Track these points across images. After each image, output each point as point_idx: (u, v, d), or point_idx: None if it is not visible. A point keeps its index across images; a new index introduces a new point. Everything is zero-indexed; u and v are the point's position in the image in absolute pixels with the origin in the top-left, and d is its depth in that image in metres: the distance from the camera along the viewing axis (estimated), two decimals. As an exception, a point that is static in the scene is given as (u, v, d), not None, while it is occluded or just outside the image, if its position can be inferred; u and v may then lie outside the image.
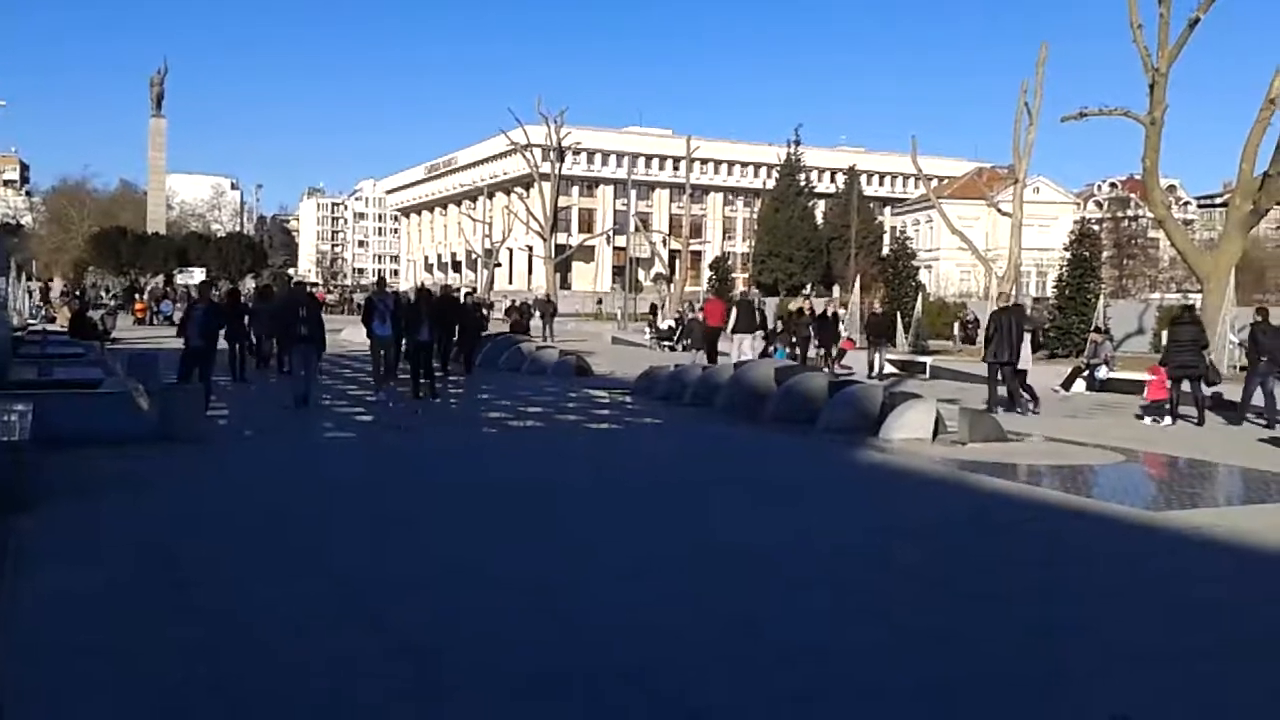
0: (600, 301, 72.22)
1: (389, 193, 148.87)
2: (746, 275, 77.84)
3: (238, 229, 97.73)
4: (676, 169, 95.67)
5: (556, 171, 71.12)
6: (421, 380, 17.18)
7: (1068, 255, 29.63)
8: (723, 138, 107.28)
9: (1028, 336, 17.83)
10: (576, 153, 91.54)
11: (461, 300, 25.58)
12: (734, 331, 24.32)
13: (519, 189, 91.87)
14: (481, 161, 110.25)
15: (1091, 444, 13.33)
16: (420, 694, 4.58)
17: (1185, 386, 16.45)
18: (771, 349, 25.06)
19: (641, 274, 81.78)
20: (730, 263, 64.53)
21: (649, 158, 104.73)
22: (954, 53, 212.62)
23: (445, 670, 4.88)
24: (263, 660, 4.92)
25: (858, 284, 39.39)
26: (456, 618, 5.63)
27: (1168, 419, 16.22)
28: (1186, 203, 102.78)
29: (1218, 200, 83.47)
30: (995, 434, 13.24)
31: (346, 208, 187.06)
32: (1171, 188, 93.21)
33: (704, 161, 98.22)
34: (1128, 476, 11.77)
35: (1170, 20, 26.74)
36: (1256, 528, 8.38)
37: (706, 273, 64.22)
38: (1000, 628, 5.76)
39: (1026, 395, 16.83)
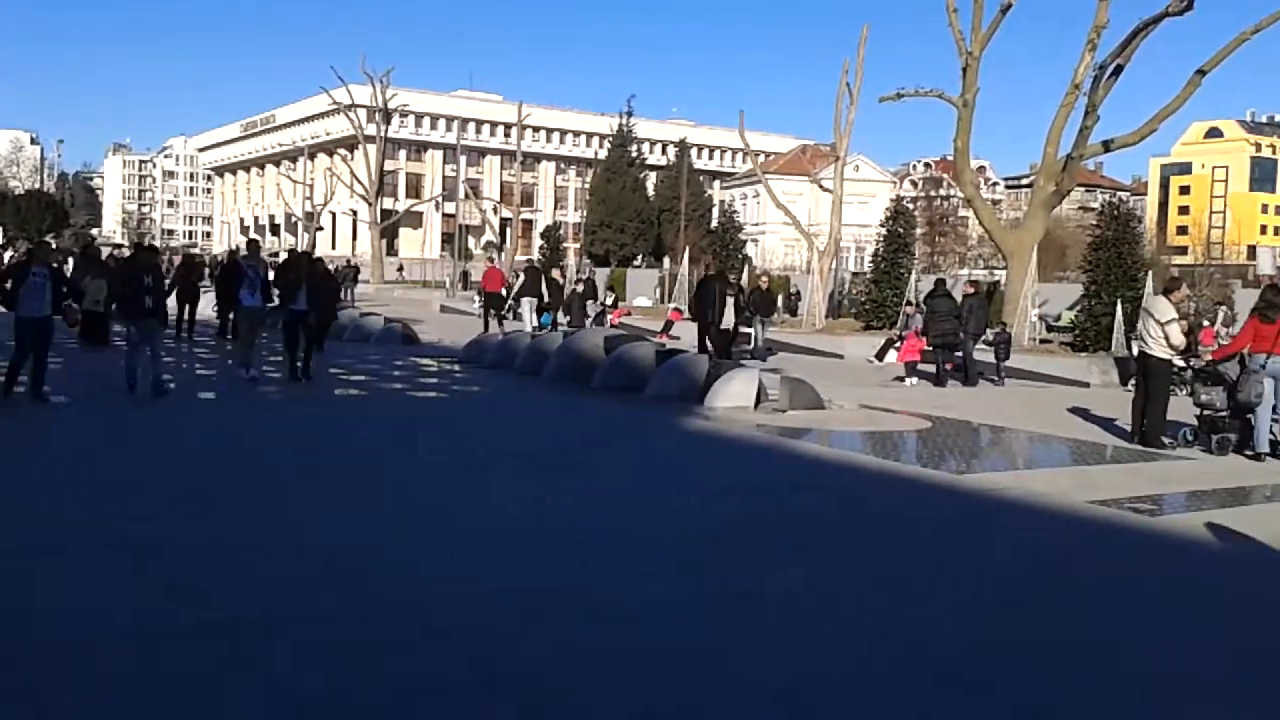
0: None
1: (201, 151, 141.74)
2: (578, 245, 77.84)
3: (37, 186, 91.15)
4: (508, 135, 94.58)
5: (382, 134, 69.17)
6: (298, 360, 14.81)
7: (883, 231, 30.77)
8: (555, 105, 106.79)
9: (731, 300, 20.13)
10: (403, 115, 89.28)
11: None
12: (518, 295, 26.32)
13: (343, 150, 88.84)
14: (302, 120, 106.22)
15: (903, 411, 13.94)
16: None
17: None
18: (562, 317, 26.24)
19: (471, 242, 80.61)
20: (562, 232, 64.41)
21: (479, 123, 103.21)
22: (782, 30, 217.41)
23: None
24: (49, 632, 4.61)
25: (687, 256, 39.92)
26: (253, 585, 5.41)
27: (915, 379, 18.26)
28: (995, 183, 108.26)
29: (1024, 181, 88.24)
30: (814, 402, 13.67)
31: (155, 166, 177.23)
32: (981, 168, 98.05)
33: (536, 129, 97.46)
34: (930, 440, 12.36)
35: (984, 5, 28.05)
36: (1048, 490, 8.92)
37: (538, 241, 63.91)
38: (801, 585, 5.94)
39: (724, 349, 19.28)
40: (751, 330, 23.38)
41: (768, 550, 6.74)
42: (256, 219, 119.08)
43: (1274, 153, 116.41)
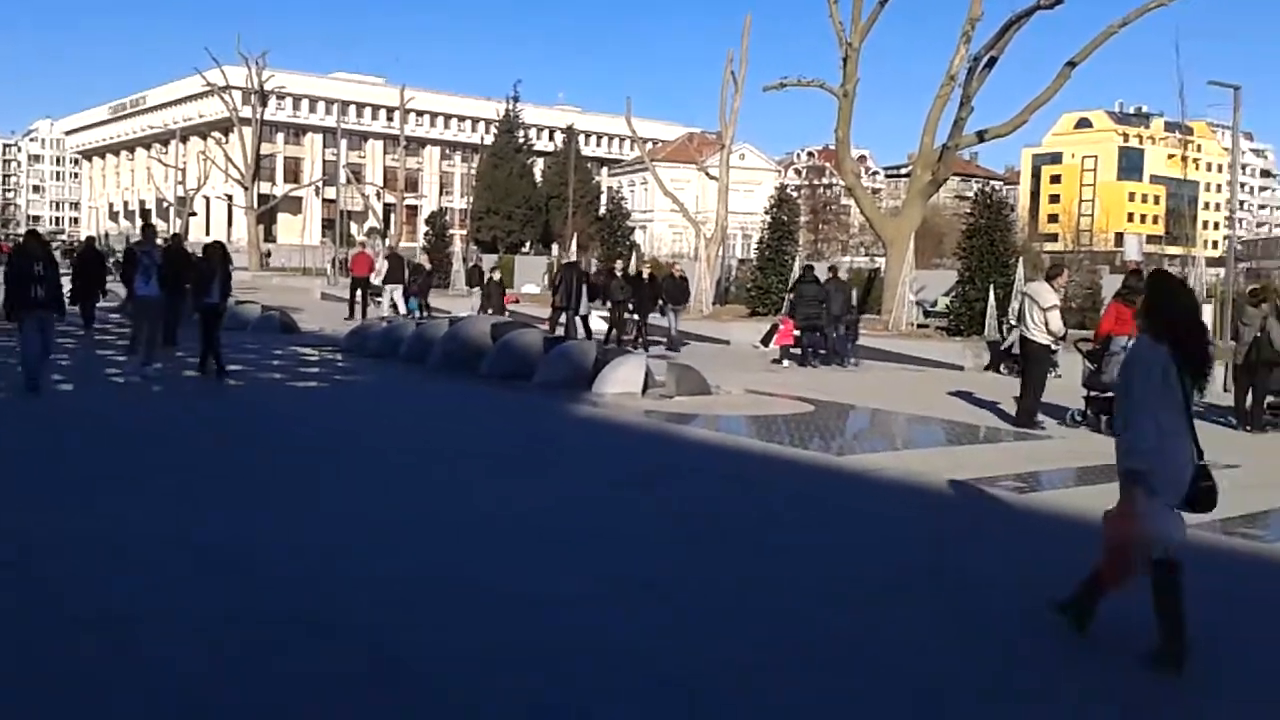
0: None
1: (68, 134, 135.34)
2: (464, 231, 76.95)
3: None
4: (390, 119, 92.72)
5: (258, 116, 67.12)
6: (209, 356, 13.96)
7: (768, 219, 31.21)
8: (440, 89, 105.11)
9: (586, 288, 21.47)
10: (281, 97, 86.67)
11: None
12: (385, 282, 27.01)
13: (217, 134, 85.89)
14: (174, 102, 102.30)
15: (787, 395, 14.19)
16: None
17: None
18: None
19: (354, 228, 78.92)
20: (448, 218, 63.46)
21: (360, 106, 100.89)
22: (668, 18, 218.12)
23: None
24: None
25: (575, 243, 39.85)
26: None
27: (788, 361, 19.19)
28: (875, 172, 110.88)
29: (903, 170, 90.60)
30: (701, 387, 13.82)
31: (20, 149, 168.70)
32: (862, 158, 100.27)
33: (420, 113, 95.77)
34: (813, 423, 12.63)
35: (863, -3, 28.56)
36: (925, 469, 9.21)
37: (423, 228, 62.95)
38: (695, 572, 6.02)
39: (583, 334, 20.07)
40: (666, 320, 22.51)
41: (662, 537, 6.80)
42: (126, 204, 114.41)
43: (1141, 143, 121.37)
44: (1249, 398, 12.79)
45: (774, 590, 5.67)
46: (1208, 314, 20.86)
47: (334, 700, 4.05)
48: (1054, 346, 12.54)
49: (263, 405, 12.44)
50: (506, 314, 24.34)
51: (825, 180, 77.33)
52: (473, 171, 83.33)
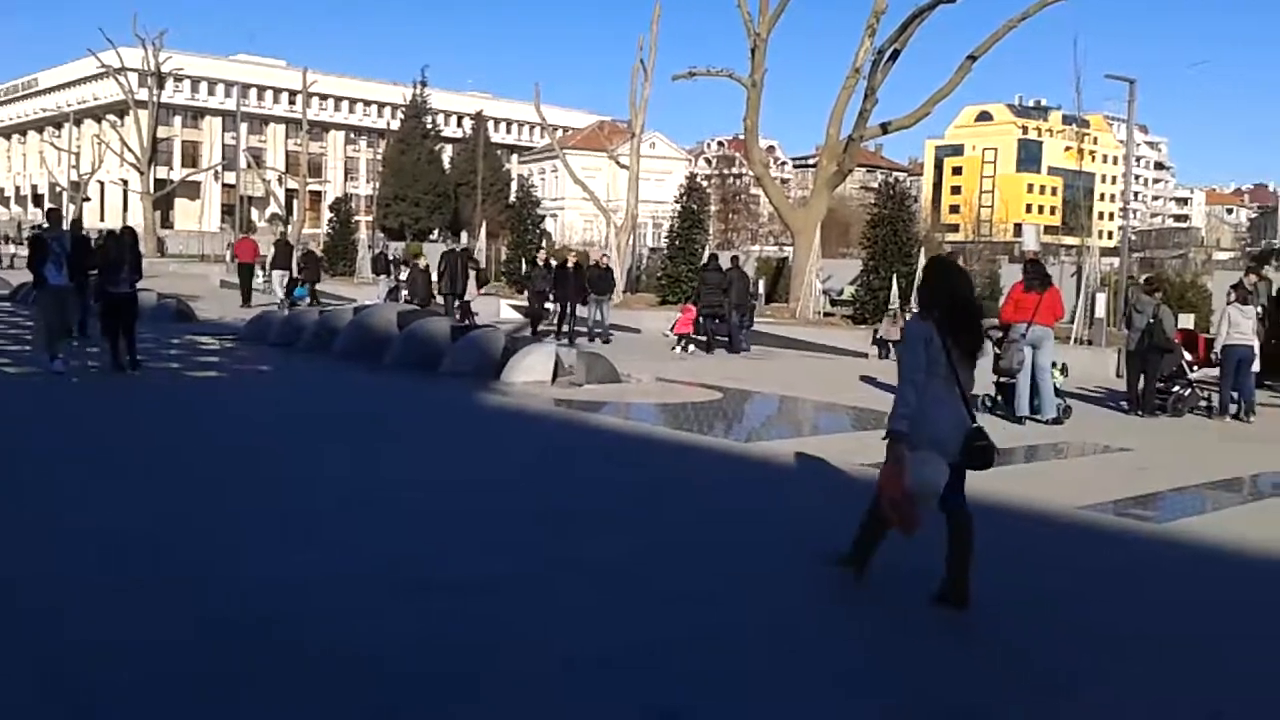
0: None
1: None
2: (370, 218, 75.66)
3: None
4: (293, 103, 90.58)
5: (155, 99, 65.08)
6: (119, 348, 13.20)
7: (678, 208, 31.28)
8: (344, 73, 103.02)
9: (473, 274, 21.42)
10: (179, 79, 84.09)
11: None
12: (271, 268, 27.64)
13: (112, 116, 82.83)
14: (67, 85, 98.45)
15: (696, 383, 14.24)
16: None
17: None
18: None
19: (255, 214, 77.04)
20: (353, 204, 62.25)
21: (261, 89, 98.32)
22: (578, 4, 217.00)
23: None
24: None
25: (484, 230, 39.44)
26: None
27: (694, 348, 19.66)
28: (784, 162, 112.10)
29: (811, 161, 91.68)
30: (611, 375, 13.78)
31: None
32: (771, 148, 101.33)
33: (324, 97, 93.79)
34: (721, 410, 12.70)
35: (770, -13, 28.76)
36: (828, 454, 9.31)
37: (327, 214, 61.73)
38: (615, 555, 5.97)
39: (469, 320, 19.59)
40: (587, 311, 21.26)
41: (574, 524, 6.73)
42: (18, 189, 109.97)
43: (1040, 135, 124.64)
44: (1141, 383, 13.18)
45: (639, 580, 5.65)
46: (1102, 302, 21.52)
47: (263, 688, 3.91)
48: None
49: (165, 397, 12.02)
50: (436, 302, 23.20)
51: (735, 170, 77.92)
52: (379, 157, 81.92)
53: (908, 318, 12.96)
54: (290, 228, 55.12)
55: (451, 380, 13.30)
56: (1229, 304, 13.39)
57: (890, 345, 19.96)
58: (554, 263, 22.48)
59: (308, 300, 25.77)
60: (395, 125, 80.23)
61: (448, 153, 77.96)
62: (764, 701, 4.08)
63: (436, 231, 67.54)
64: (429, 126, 75.63)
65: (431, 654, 4.42)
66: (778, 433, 11.54)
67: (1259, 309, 16.10)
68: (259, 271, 29.49)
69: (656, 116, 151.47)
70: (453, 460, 8.82)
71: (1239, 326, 13.03)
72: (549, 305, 21.79)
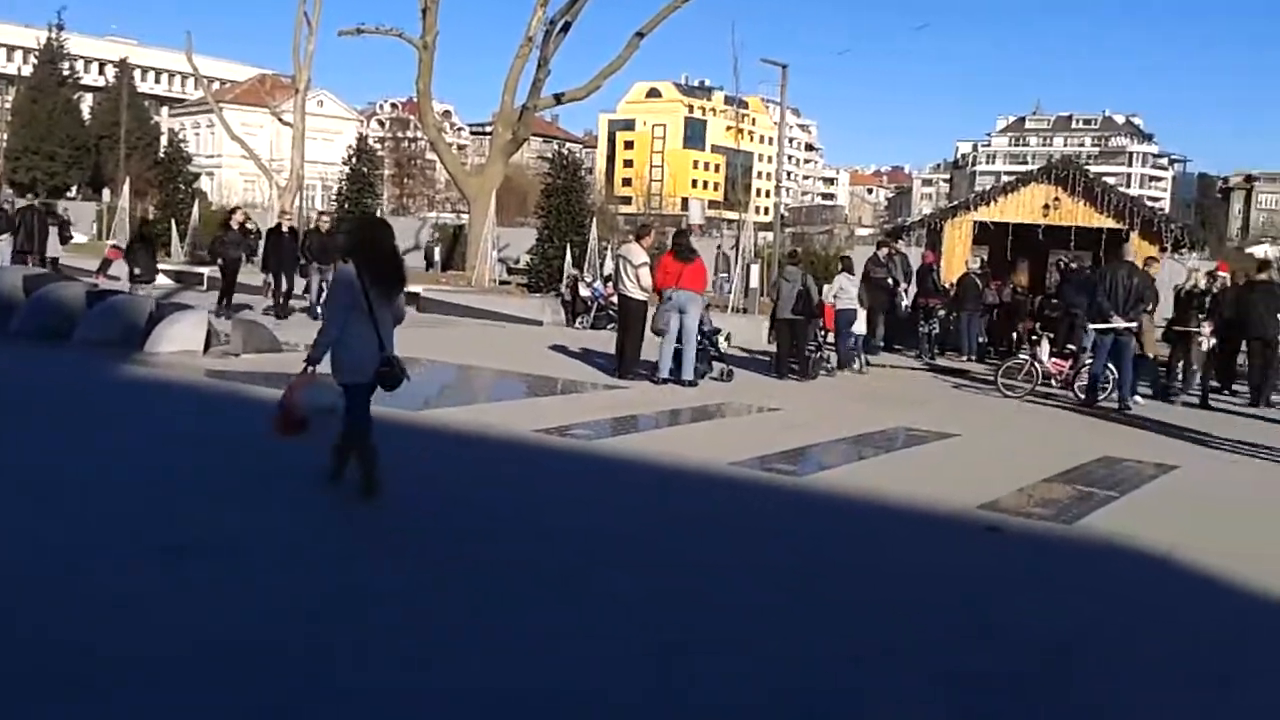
0: None
1: None
2: (-3, 172, 67.49)
3: None
4: (-104, 38, 78.99)
5: None
6: None
7: (347, 170, 30.17)
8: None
9: (54, 230, 19.79)
10: None
11: None
12: None
13: None
14: None
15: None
16: None
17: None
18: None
19: None
20: (-27, 157, 55.29)
21: None
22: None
23: None
24: None
25: (128, 187, 36.19)
26: None
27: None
28: (461, 128, 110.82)
29: (488, 128, 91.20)
30: (270, 345, 13.03)
31: None
32: (447, 113, 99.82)
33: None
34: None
35: (439, -51, 28.18)
36: (498, 421, 9.29)
37: (-60, 166, 54.44)
38: (244, 531, 5.62)
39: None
40: (307, 283, 18.87)
41: (208, 498, 6.26)
42: None
43: (704, 114, 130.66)
44: (788, 348, 14.14)
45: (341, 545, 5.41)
46: (755, 273, 22.94)
47: None
48: (648, 300, 13.04)
49: None
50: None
51: (410, 133, 76.17)
52: (7, 106, 73.19)
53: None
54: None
55: (88, 350, 12.05)
56: (838, 273, 15.70)
57: (572, 311, 20.35)
58: (251, 227, 20.12)
59: None
60: (27, 71, 72.08)
61: (88, 102, 70.96)
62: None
63: (75, 188, 61.47)
64: (66, 73, 68.60)
65: None
66: (450, 401, 11.35)
67: (893, 279, 17.87)
68: None
69: (325, 74, 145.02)
70: (81, 435, 7.98)
71: (847, 292, 15.07)
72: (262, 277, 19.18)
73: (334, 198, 32.45)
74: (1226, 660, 4.78)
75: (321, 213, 26.99)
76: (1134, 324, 12.63)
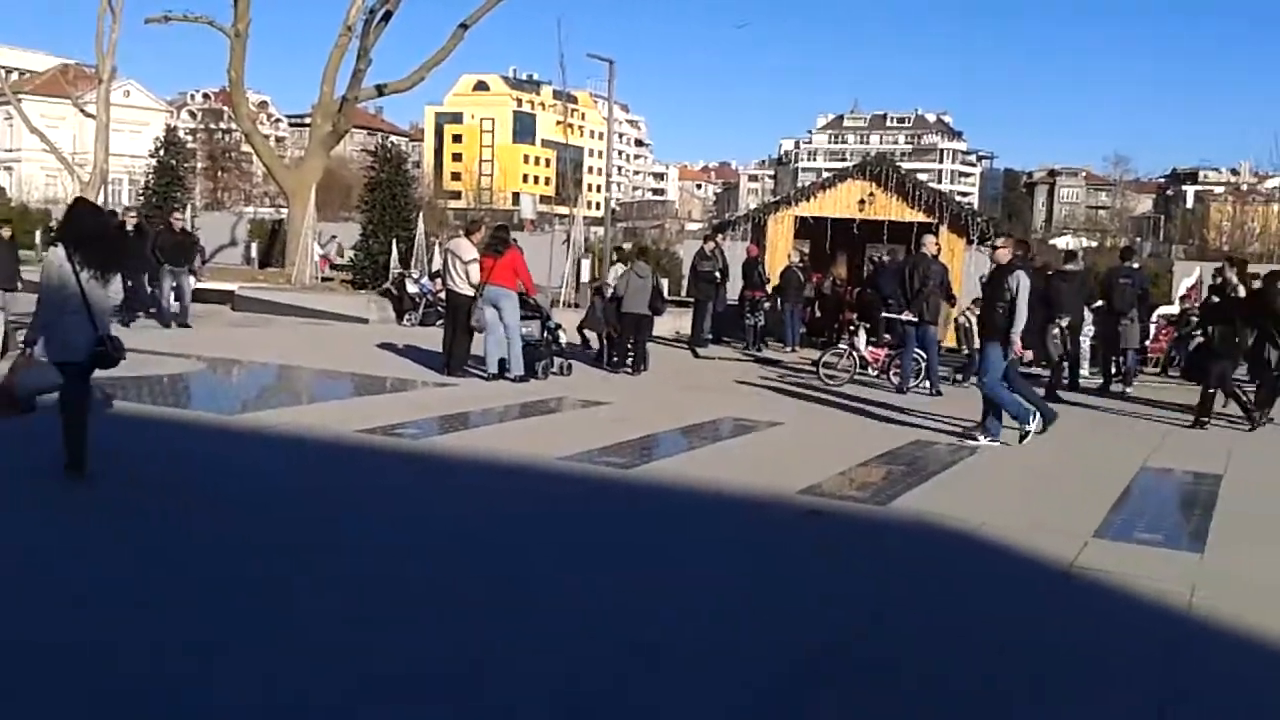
0: None
1: None
2: None
3: None
4: None
5: None
6: None
7: (155, 163, 28.69)
8: None
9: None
10: None
11: None
12: None
13: None
14: None
15: (176, 353, 13.12)
16: None
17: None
18: None
19: None
20: None
21: None
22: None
23: None
24: None
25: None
26: None
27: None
28: (279, 120, 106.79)
29: (307, 119, 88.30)
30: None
31: None
32: (264, 104, 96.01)
33: None
34: (206, 383, 11.87)
35: (254, -66, 27.09)
36: (316, 422, 8.99)
37: None
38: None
39: None
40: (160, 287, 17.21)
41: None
42: None
43: (533, 108, 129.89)
44: (624, 342, 14.22)
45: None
46: (586, 267, 23.00)
47: None
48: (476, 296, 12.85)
49: None
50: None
51: (224, 125, 73.01)
52: None
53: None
54: None
55: None
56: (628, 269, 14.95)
57: (400, 308, 19.98)
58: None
59: None
60: None
61: None
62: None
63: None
64: None
65: None
66: (265, 403, 10.93)
67: (719, 272, 18.25)
68: None
69: (132, 63, 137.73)
70: None
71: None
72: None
73: (140, 192, 30.74)
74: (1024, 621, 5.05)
75: (128, 209, 25.50)
76: (919, 315, 12.90)
